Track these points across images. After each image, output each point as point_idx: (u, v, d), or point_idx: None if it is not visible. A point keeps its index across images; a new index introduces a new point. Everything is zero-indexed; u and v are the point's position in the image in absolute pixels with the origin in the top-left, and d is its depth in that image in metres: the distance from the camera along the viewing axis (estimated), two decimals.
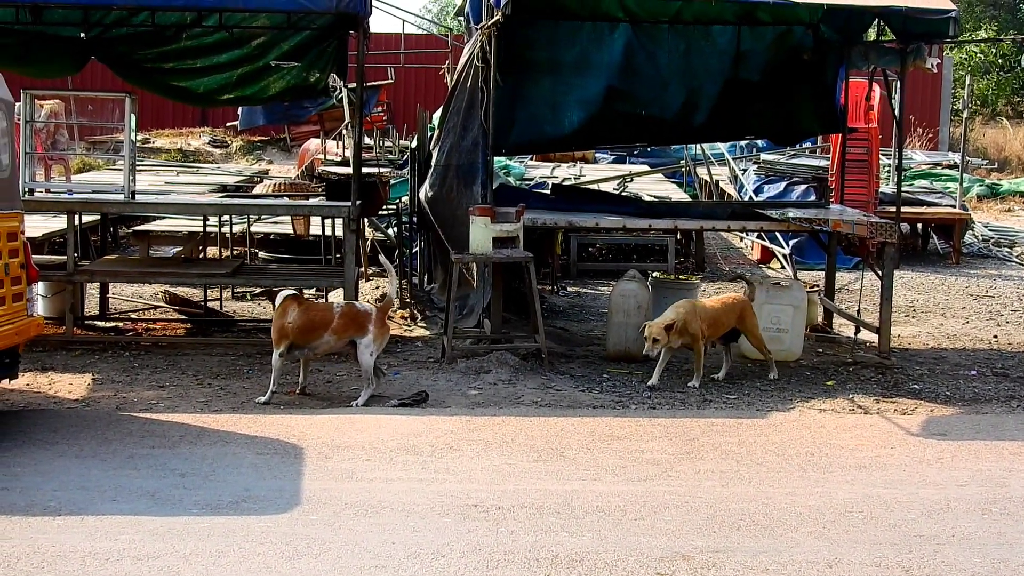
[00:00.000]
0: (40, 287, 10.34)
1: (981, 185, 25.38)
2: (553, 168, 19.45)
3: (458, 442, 7.80)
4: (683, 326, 9.47)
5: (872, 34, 11.74)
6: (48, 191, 11.55)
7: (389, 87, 25.93)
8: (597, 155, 22.98)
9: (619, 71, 11.23)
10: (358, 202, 10.61)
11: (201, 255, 13.67)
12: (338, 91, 13.09)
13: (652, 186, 18.25)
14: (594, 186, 16.48)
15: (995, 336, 12.09)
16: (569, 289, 13.78)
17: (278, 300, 9.05)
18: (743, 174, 18.75)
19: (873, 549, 6.18)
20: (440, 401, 8.82)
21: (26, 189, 10.35)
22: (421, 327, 11.51)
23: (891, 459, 7.79)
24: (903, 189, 19.01)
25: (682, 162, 21.17)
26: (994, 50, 41.21)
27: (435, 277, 12.66)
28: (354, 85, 11.27)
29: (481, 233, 9.97)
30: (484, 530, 6.22)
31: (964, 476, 7.48)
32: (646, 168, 20.60)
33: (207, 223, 13.40)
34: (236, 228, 13.96)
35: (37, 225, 12.34)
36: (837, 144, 14.59)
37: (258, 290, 12.84)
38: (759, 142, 20.45)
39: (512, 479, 7.11)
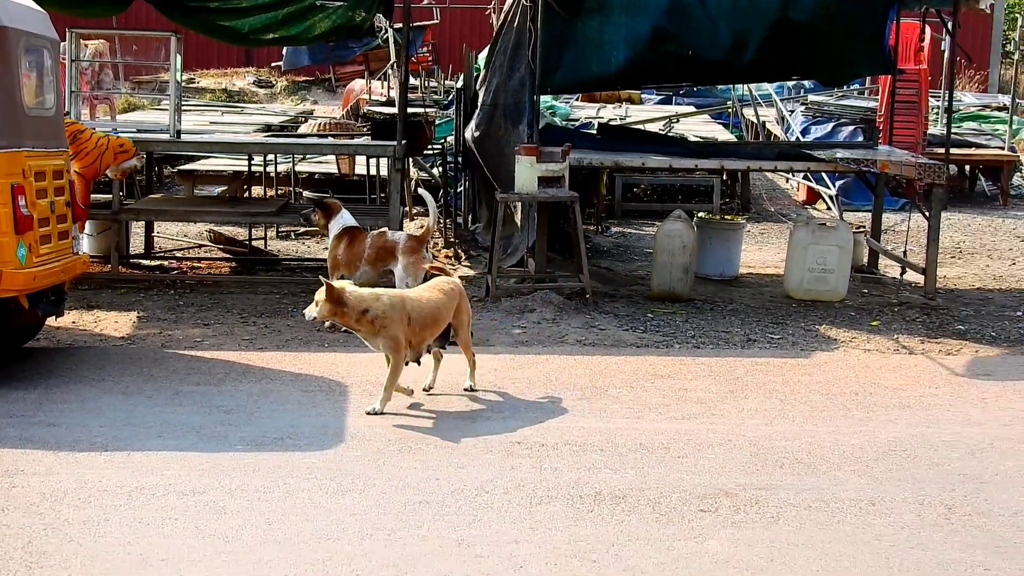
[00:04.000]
0: (87, 226, 10.42)
1: None
2: (599, 109, 19.37)
3: (502, 380, 7.84)
4: (381, 325, 7.12)
5: None
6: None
7: (434, 27, 25.82)
8: (643, 96, 22.85)
9: (667, 11, 11.14)
10: (403, 142, 10.61)
11: (246, 195, 13.72)
12: (383, 31, 13.04)
13: (698, 127, 18.15)
14: (640, 127, 16.40)
15: None
16: (614, 229, 13.75)
17: (333, 231, 9.14)
18: (790, 115, 18.61)
19: (915, 487, 6.18)
20: (484, 340, 8.84)
21: None
22: (465, 266, 11.54)
23: (935, 399, 7.78)
24: (951, 131, 18.91)
25: (729, 103, 21.02)
26: None
27: (479, 217, 12.67)
28: (400, 25, 11.23)
29: (527, 172, 9.96)
30: (527, 467, 6.26)
31: (1008, 416, 7.46)
32: (692, 109, 20.48)
33: (252, 163, 13.44)
34: (281, 168, 14.00)
35: None
36: (886, 85, 14.44)
37: (302, 229, 12.88)
38: (806, 83, 20.29)
39: (556, 417, 7.14)
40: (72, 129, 9.21)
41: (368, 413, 7.06)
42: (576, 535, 5.43)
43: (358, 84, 20.44)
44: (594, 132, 12.60)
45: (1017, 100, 23.32)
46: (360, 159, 13.73)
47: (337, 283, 7.15)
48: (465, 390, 7.59)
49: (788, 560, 5.26)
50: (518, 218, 10.88)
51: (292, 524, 5.45)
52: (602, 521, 5.60)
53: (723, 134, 17.96)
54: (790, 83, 20.86)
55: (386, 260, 9.05)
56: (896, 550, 5.42)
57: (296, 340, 8.87)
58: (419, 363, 7.45)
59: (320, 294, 6.98)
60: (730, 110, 20.84)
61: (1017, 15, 28.67)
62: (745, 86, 19.29)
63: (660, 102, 22.74)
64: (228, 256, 12.00)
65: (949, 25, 12.43)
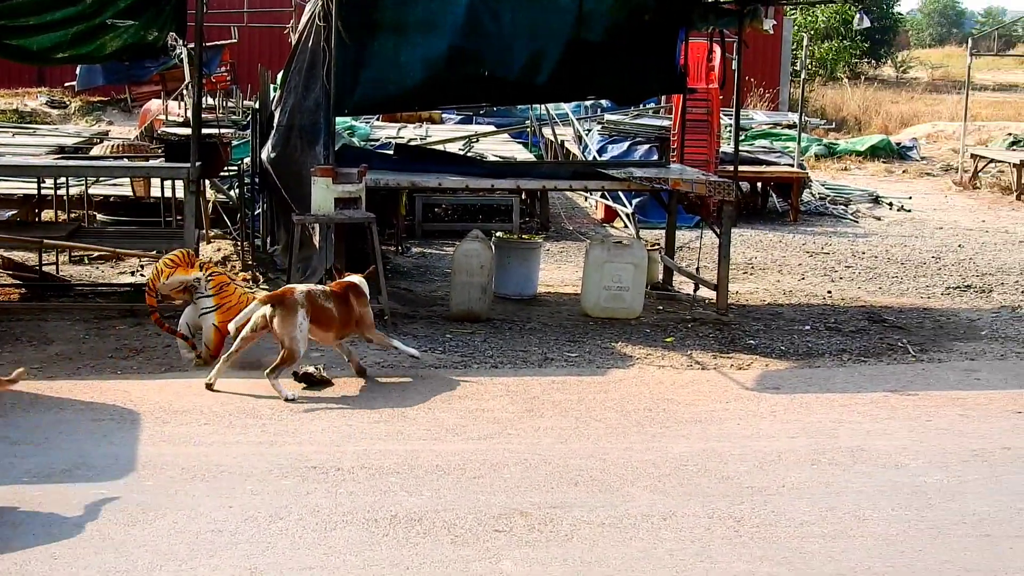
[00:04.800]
0: None
1: (819, 145, 25.92)
2: (399, 129, 19.36)
3: (298, 404, 7.77)
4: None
5: None
6: None
7: (233, 47, 25.52)
8: (444, 116, 22.93)
9: (463, 31, 11.17)
10: (198, 163, 10.45)
11: (37, 219, 13.32)
12: (178, 50, 12.82)
13: (498, 146, 18.27)
14: (440, 147, 16.44)
15: (829, 292, 12.39)
16: (414, 250, 13.76)
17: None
18: (587, 134, 18.88)
19: (706, 501, 6.33)
20: None
21: None
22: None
23: (726, 413, 7.98)
24: (743, 149, 19.42)
25: (527, 122, 21.24)
26: (836, 14, 42.10)
27: (278, 239, 12.54)
28: (193, 44, 11.07)
29: (323, 194, 9.91)
30: (323, 492, 6.23)
31: (795, 428, 7.69)
32: (492, 128, 20.62)
33: (42, 185, 13.05)
34: (73, 191, 13.63)
35: None
36: (679, 104, 14.76)
37: (95, 254, 12.56)
38: (603, 102, 20.60)
39: (352, 440, 7.11)
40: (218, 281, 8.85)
41: None
42: (371, 559, 5.42)
43: (155, 104, 20.07)
44: (391, 153, 12.57)
45: (805, 118, 24.12)
46: (156, 181, 13.46)
47: None
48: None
49: None
50: (316, 240, 10.81)
51: (80, 557, 5.32)
52: (397, 544, 5.60)
53: (522, 153, 18.12)
54: (587, 102, 21.16)
55: None
56: (686, 564, 5.55)
57: (88, 368, 8.65)
58: None
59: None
60: (529, 130, 21.05)
61: (804, 36, 29.65)
62: (543, 106, 19.51)
63: (460, 122, 22.85)
64: (18, 283, 11.62)
65: (737, 46, 12.78)
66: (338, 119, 12.26)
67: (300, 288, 8.32)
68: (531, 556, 5.54)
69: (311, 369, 8.36)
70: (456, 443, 7.13)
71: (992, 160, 22.84)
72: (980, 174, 22.75)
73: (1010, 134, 27.45)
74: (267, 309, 8.06)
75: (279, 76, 13.48)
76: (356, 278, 8.79)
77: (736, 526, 6.03)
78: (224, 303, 8.65)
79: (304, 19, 11.55)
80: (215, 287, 8.67)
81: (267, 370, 8.06)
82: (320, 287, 8.59)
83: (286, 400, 7.86)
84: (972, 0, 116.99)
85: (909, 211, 18.94)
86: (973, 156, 23.29)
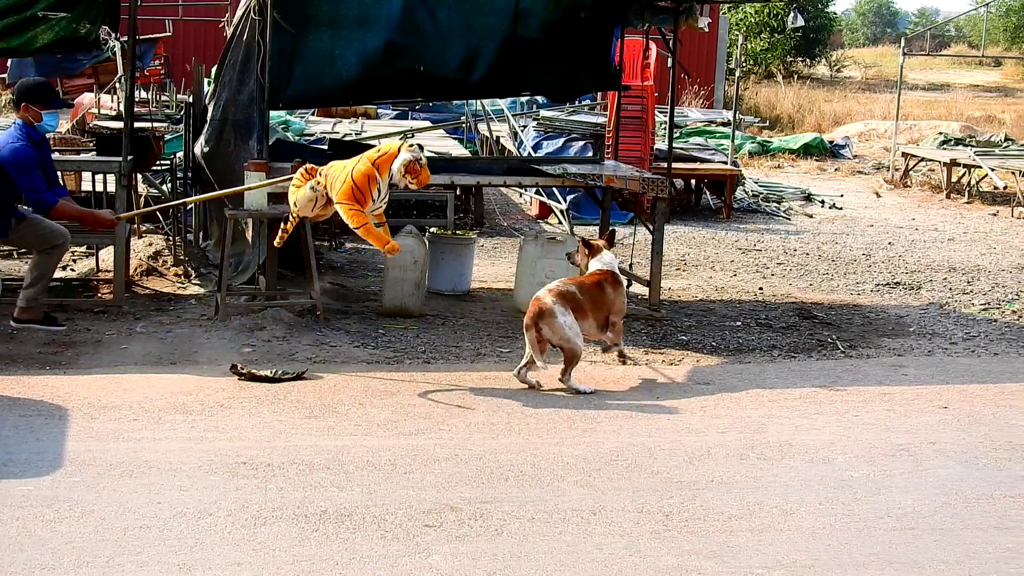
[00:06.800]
0: None
1: (753, 142, 26.15)
2: (334, 124, 19.34)
3: (229, 400, 7.74)
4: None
5: None
6: None
7: (167, 40, 25.29)
8: (379, 111, 22.89)
9: (399, 26, 11.15)
10: (130, 157, 10.38)
11: None
12: (111, 44, 12.70)
13: (433, 142, 18.26)
14: (374, 141, 16.40)
15: (760, 288, 12.51)
16: (348, 245, 13.72)
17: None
18: (523, 130, 18.92)
19: (635, 496, 6.37)
20: (213, 359, 8.72)
21: None
22: (195, 284, 11.33)
23: (657, 408, 8.04)
24: (678, 146, 19.55)
25: (463, 118, 21.25)
26: (768, 11, 42.41)
27: (211, 234, 12.47)
28: (126, 37, 10.98)
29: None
30: (252, 487, 6.21)
31: (725, 423, 7.76)
32: (428, 124, 20.63)
33: None
34: None
35: None
36: (614, 101, 14.82)
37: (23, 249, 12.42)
38: (539, 99, 20.66)
39: (283, 436, 7.09)
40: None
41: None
42: (300, 555, 5.41)
43: (87, 98, 19.88)
44: (326, 148, 12.53)
45: (740, 116, 24.30)
46: (87, 175, 13.33)
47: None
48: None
49: (509, 572, 5.35)
50: (249, 235, 10.76)
51: (4, 555, 5.27)
52: (327, 540, 5.59)
53: (458, 149, 18.14)
54: (523, 99, 21.22)
55: None
56: (615, 558, 5.57)
57: (15, 363, 8.56)
58: None
59: None
60: (465, 125, 21.06)
61: (739, 34, 29.87)
62: (479, 102, 19.52)
63: (396, 117, 22.84)
64: None
65: (672, 43, 12.86)
66: (273, 114, 12.23)
67: (546, 295, 8.44)
68: (460, 551, 5.55)
69: (268, 372, 8.31)
70: (387, 438, 7.13)
71: (923, 159, 23.14)
72: (911, 173, 23.04)
73: (941, 133, 27.81)
74: (527, 331, 8.37)
75: (213, 70, 13.40)
76: (608, 257, 9.00)
77: (665, 520, 6.07)
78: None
79: (239, 13, 11.47)
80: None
81: (559, 376, 8.37)
82: (568, 283, 8.70)
83: (584, 394, 8.22)
84: (906, 0, 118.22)
85: (841, 209, 19.15)
86: (904, 155, 23.59)
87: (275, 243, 9.04)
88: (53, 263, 9.33)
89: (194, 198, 11.25)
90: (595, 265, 8.96)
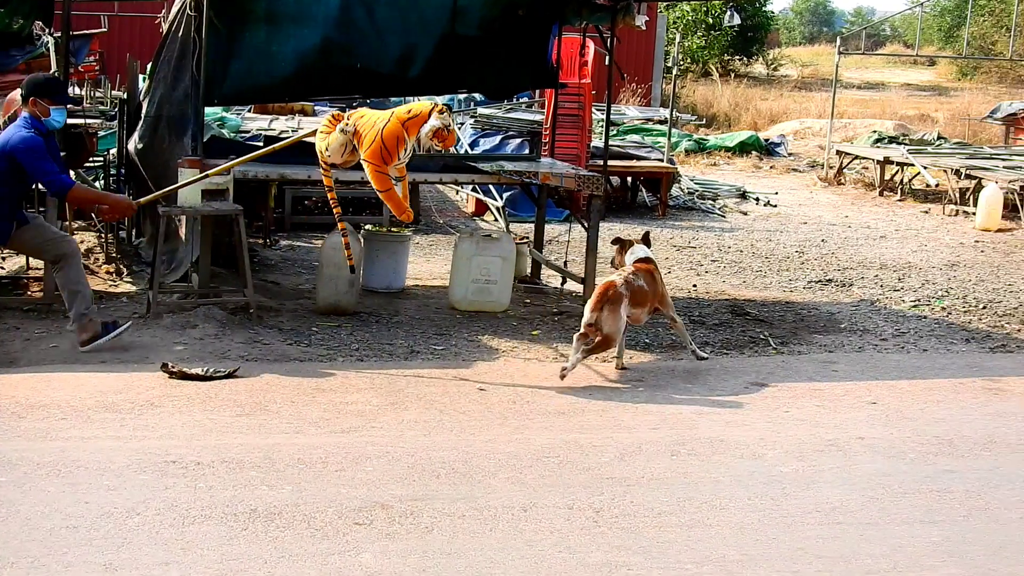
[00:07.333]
0: None
1: (689, 140, 26.30)
2: (271, 121, 19.18)
3: (159, 398, 7.68)
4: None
5: None
6: None
7: (102, 36, 25.04)
8: (316, 108, 22.74)
9: (336, 23, 11.13)
10: (63, 153, 10.27)
11: None
12: (45, 39, 12.59)
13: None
14: (311, 139, 16.31)
15: (694, 285, 12.59)
16: (282, 243, 13.66)
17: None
18: (460, 127, 18.90)
19: (566, 492, 6.40)
20: (144, 357, 8.65)
21: None
22: (127, 282, 11.23)
23: (589, 405, 8.07)
24: (615, 143, 19.63)
25: None
26: (705, 10, 42.63)
27: (144, 231, 12.38)
28: (60, 33, 10.88)
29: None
30: (182, 486, 6.17)
31: (656, 420, 7.81)
32: None
33: None
34: None
35: None
36: (551, 99, 14.86)
37: None
38: (476, 96, 20.65)
39: (213, 434, 7.06)
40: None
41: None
42: (229, 554, 5.39)
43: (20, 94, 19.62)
44: (261, 145, 12.46)
45: (677, 114, 24.42)
46: None
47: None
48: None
49: (439, 570, 5.36)
50: (183, 232, 10.68)
51: None
52: (256, 539, 5.58)
53: None
54: (461, 96, 21.19)
55: None
56: (545, 555, 5.60)
57: None
58: None
59: None
60: None
61: (676, 32, 30.02)
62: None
63: None
64: None
65: (609, 41, 12.91)
66: (209, 110, 12.15)
67: (619, 279, 8.89)
68: (391, 549, 5.55)
69: (200, 370, 8.24)
70: (318, 436, 7.11)
71: (857, 157, 23.38)
72: (845, 170, 23.26)
73: (875, 131, 28.09)
74: (593, 313, 8.64)
75: (149, 66, 13.30)
76: (643, 250, 9.43)
77: (595, 516, 6.11)
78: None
79: (175, 8, 11.39)
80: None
81: (584, 352, 8.69)
82: (631, 271, 9.08)
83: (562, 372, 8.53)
84: (842, 0, 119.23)
85: (775, 206, 19.29)
86: (839, 153, 23.80)
87: (334, 207, 9.16)
88: (74, 274, 8.92)
89: (194, 179, 11.10)
90: (631, 259, 9.33)
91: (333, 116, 8.68)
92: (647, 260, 9.31)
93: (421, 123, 8.29)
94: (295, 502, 6.03)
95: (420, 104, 8.72)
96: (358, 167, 9.19)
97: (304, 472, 6.48)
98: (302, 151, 12.07)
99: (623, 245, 9.56)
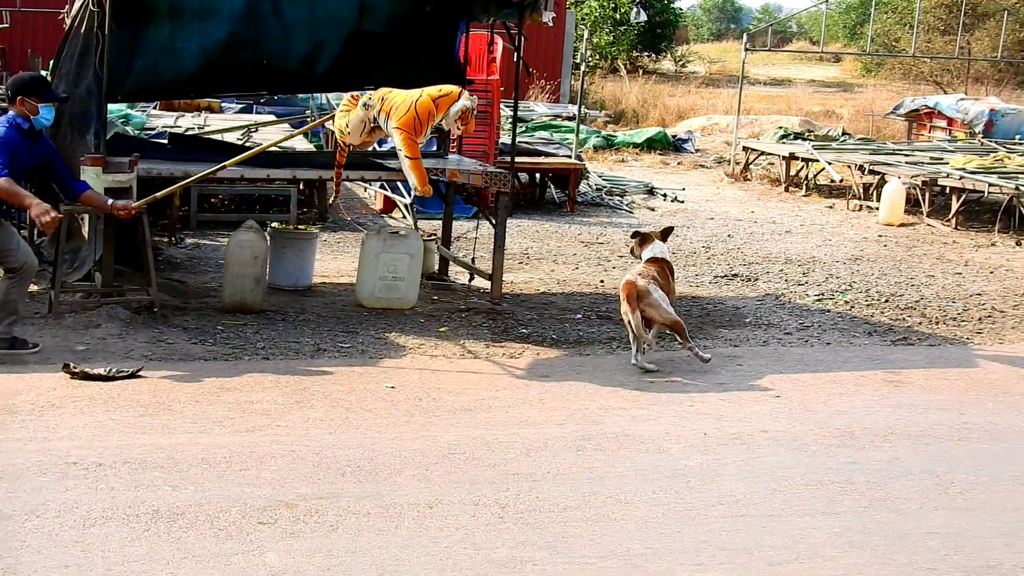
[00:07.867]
0: None
1: (598, 136, 26.39)
2: (176, 118, 18.98)
3: (61, 399, 7.58)
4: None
5: None
6: None
7: (4, 31, 24.67)
8: (224, 104, 22.56)
9: (242, 19, 11.05)
10: None
11: None
12: None
13: (278, 136, 18.07)
14: (218, 136, 16.19)
15: (601, 281, 12.66)
16: (188, 241, 13.53)
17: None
18: None
19: (472, 488, 6.42)
20: (45, 358, 8.52)
21: None
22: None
23: (496, 401, 8.10)
24: (523, 140, 19.67)
25: (308, 112, 21.08)
26: (612, 6, 42.86)
27: None
28: None
29: (93, 183, 9.67)
30: (83, 488, 6.11)
31: (563, 415, 7.85)
32: (273, 118, 20.40)
33: None
34: None
35: None
36: None
37: None
38: None
39: (116, 435, 6.98)
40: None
41: None
42: (131, 555, 5.35)
43: None
44: (166, 142, 12.34)
45: (585, 110, 24.53)
46: None
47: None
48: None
49: (344, 568, 5.36)
50: (85, 230, 10.55)
51: None
52: (159, 539, 5.54)
53: (302, 144, 17.99)
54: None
55: None
56: (450, 552, 5.62)
57: None
58: None
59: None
60: (309, 120, 20.87)
61: (584, 29, 30.15)
62: (325, 96, 19.36)
63: (240, 111, 22.52)
64: None
65: (517, 38, 12.93)
66: (113, 107, 12.00)
67: (637, 276, 9.21)
68: (295, 548, 5.54)
69: (102, 371, 8.15)
70: (222, 436, 7.07)
71: (763, 153, 23.60)
72: (751, 166, 23.48)
73: (781, 127, 28.39)
74: (631, 314, 9.01)
75: (51, 62, 13.13)
76: (660, 247, 9.61)
77: (501, 512, 6.13)
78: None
79: (78, 4, 11.24)
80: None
81: (685, 348, 9.35)
82: (646, 268, 9.34)
83: (706, 360, 9.25)
84: None
85: (682, 202, 19.44)
86: (745, 149, 24.02)
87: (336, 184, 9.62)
88: (21, 292, 8.71)
89: (196, 176, 10.96)
90: (648, 254, 9.53)
91: (352, 96, 9.29)
92: (657, 260, 9.52)
93: (451, 103, 9.07)
94: (198, 502, 5.99)
95: (449, 87, 9.36)
96: (264, 164, 9.19)
97: (208, 472, 6.44)
98: (212, 148, 12.02)
99: (643, 238, 9.73)
